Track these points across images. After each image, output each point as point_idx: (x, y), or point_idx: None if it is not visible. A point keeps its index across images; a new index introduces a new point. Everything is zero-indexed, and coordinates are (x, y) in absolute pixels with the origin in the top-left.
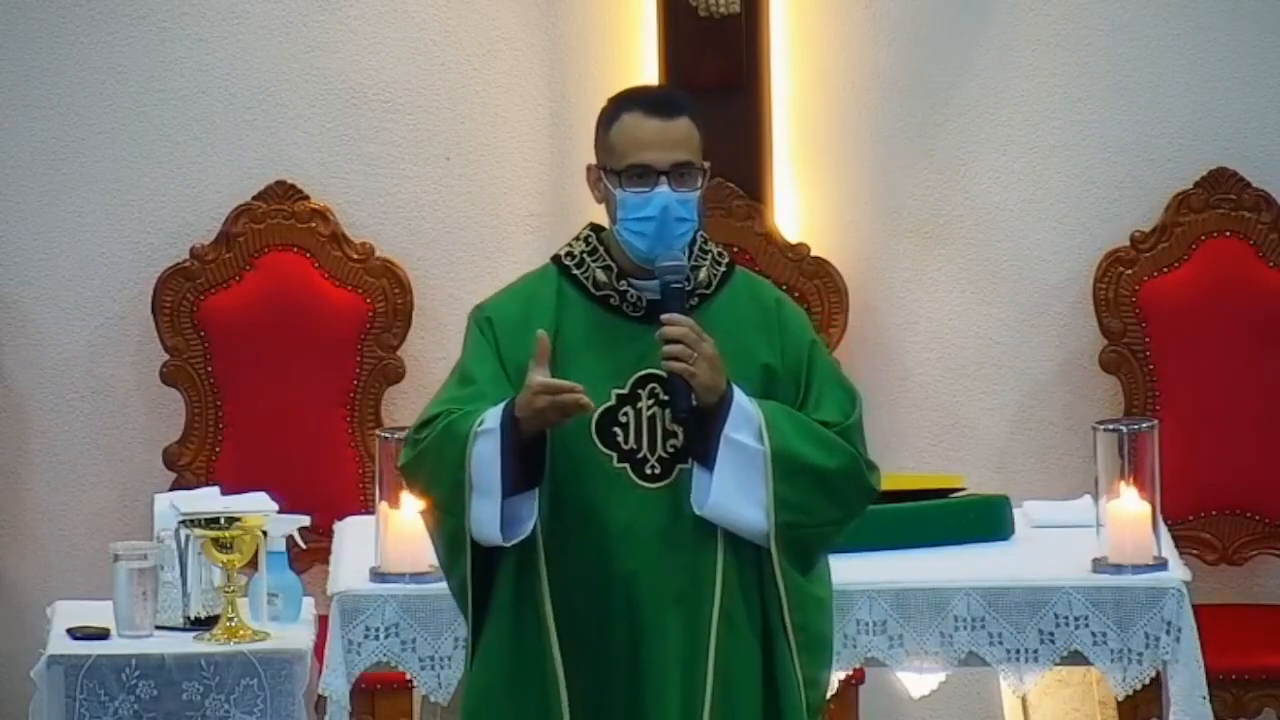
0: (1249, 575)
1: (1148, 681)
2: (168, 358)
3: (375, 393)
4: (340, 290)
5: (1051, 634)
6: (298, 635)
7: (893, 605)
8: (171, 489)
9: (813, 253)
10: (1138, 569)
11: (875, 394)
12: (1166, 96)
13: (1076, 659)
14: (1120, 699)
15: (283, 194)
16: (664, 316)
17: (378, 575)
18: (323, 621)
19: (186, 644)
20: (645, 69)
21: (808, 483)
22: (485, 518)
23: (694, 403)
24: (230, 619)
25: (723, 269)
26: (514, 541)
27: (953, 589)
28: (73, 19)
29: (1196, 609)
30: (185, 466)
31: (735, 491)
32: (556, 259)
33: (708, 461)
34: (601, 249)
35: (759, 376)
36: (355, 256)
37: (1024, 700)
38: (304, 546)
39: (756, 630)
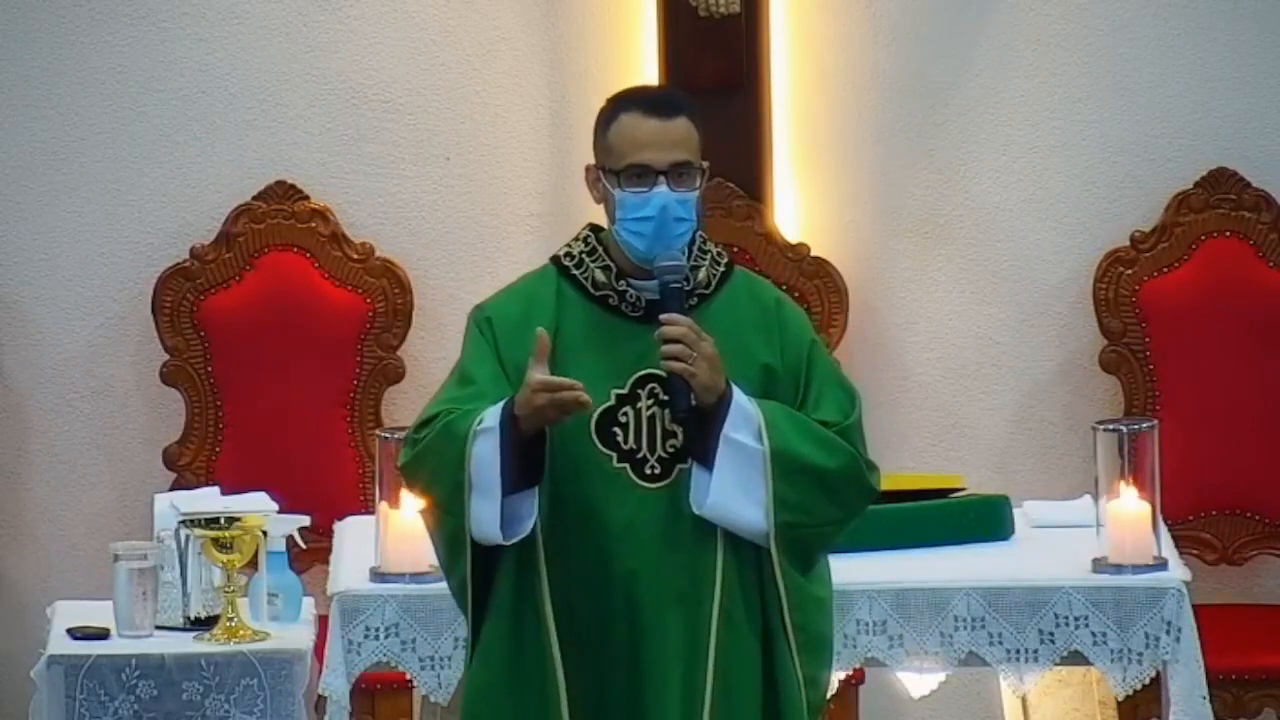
0: (1249, 575)
1: (1148, 681)
2: (168, 358)
3: (375, 393)
4: (340, 290)
5: (1051, 634)
6: (298, 635)
7: (893, 605)
8: (171, 489)
9: (813, 253)
10: (1138, 569)
11: (875, 394)
12: (1166, 96)
13: (1076, 659)
14: (1120, 699)
15: (283, 194)
16: (663, 316)
17: (378, 575)
18: (323, 621)
19: (186, 644)
20: (645, 69)
21: (807, 482)
22: (485, 517)
23: (693, 402)
24: (230, 619)
25: (722, 269)
26: (514, 540)
27: (953, 589)
28: (73, 19)
29: (1196, 609)
30: (185, 466)
31: (735, 491)
32: (556, 259)
33: (707, 461)
34: (600, 249)
35: (758, 376)
36: (355, 256)
37: (1024, 700)
38: (304, 546)
39: (756, 630)
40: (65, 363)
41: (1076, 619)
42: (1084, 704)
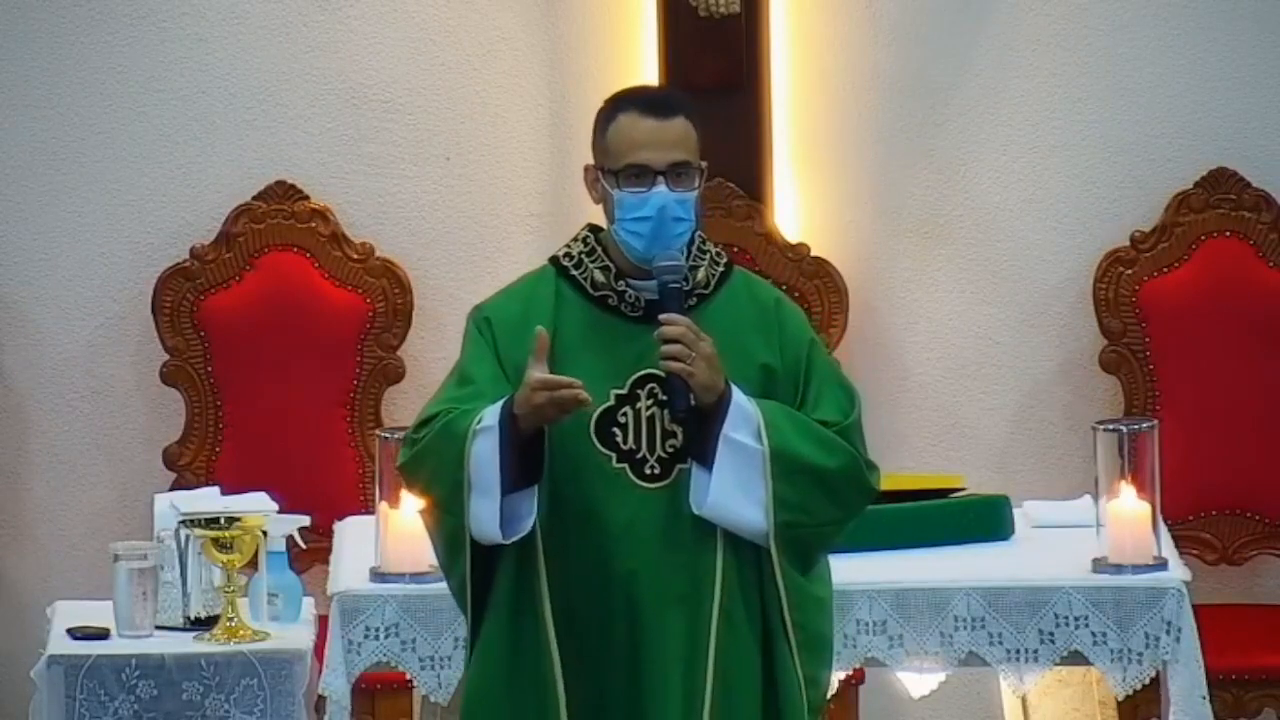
0: (1249, 575)
1: (1148, 681)
2: (168, 358)
3: (375, 393)
4: (340, 290)
5: (1051, 634)
6: (298, 635)
7: (893, 605)
8: (171, 489)
9: (813, 253)
10: (1138, 569)
11: (875, 394)
12: (1166, 96)
13: (1076, 659)
14: (1120, 699)
15: (283, 194)
16: (662, 316)
17: (378, 575)
18: (323, 621)
19: (186, 644)
20: (645, 69)
21: (807, 482)
22: (484, 515)
23: (692, 402)
24: (230, 619)
25: (721, 269)
26: (514, 539)
27: (953, 589)
28: (73, 19)
29: (1196, 609)
30: (185, 466)
31: (734, 491)
32: (554, 260)
33: (707, 461)
34: (599, 249)
35: (758, 376)
36: (355, 256)
37: (1024, 700)
38: (304, 546)
39: (756, 630)
40: (65, 363)
41: (1076, 619)
42: (1084, 704)
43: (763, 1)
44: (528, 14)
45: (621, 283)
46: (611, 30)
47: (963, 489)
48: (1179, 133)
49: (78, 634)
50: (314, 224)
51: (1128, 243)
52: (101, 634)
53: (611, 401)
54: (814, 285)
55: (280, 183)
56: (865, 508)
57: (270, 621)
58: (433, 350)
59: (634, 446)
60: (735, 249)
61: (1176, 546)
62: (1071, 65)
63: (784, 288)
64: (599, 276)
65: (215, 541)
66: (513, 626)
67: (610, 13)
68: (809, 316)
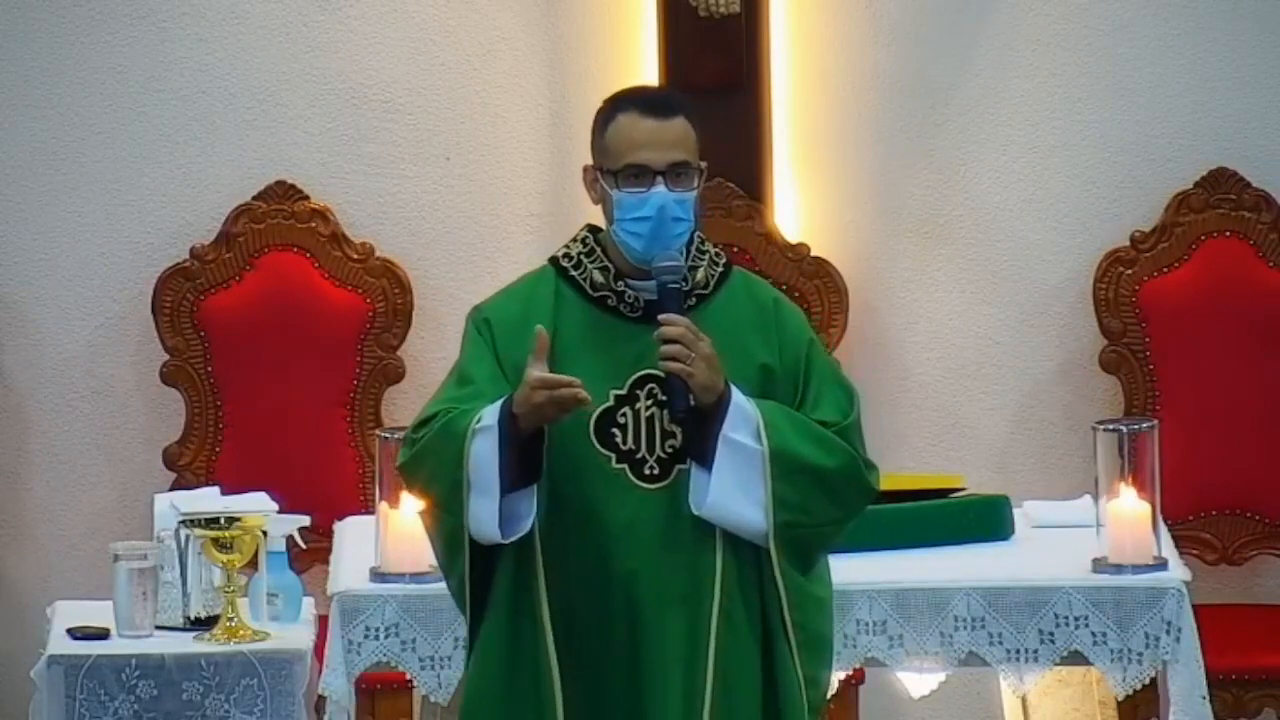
0: (1249, 575)
1: (1148, 681)
2: (168, 358)
3: (375, 393)
4: (340, 290)
5: (1051, 634)
6: (298, 635)
7: (893, 605)
8: (171, 489)
9: (813, 253)
10: (1138, 569)
11: (875, 394)
12: (1166, 96)
13: (1076, 659)
14: (1120, 699)
15: (283, 194)
16: (661, 317)
17: (378, 575)
18: (323, 621)
19: (186, 644)
20: (645, 69)
21: (807, 482)
22: (484, 515)
23: (692, 403)
24: (230, 619)
25: (720, 269)
26: (513, 539)
27: (953, 589)
28: (73, 19)
29: (1196, 609)
30: (185, 466)
31: (734, 491)
32: (554, 260)
33: (706, 461)
34: (599, 250)
35: (757, 376)
36: (355, 256)
37: (1024, 700)
38: (304, 546)
39: (756, 630)
40: (65, 363)
41: (1076, 619)
42: (1084, 704)
43: (763, 1)
44: (528, 14)
45: (621, 283)
46: (611, 30)
47: (963, 489)
48: (1179, 133)
49: (78, 634)
50: (314, 224)
51: (1128, 243)
52: (101, 634)
53: (611, 402)
54: (814, 285)
55: (280, 183)
56: (865, 508)
57: (270, 621)
58: (433, 350)
59: (633, 447)
60: (735, 249)
61: (1176, 546)
62: (1071, 65)
63: (784, 288)
64: (598, 277)
65: (215, 541)
66: (511, 627)
67: (610, 13)
68: (809, 316)
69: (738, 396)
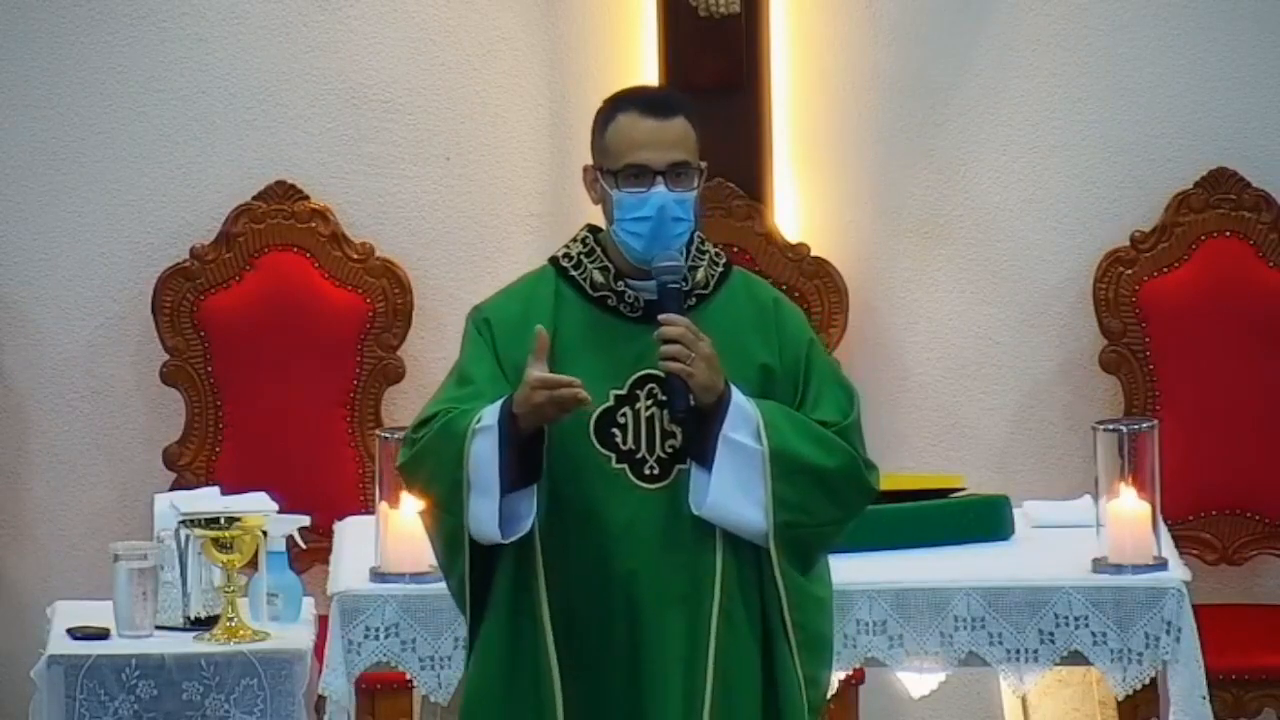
0: (1249, 575)
1: (1148, 681)
2: (168, 358)
3: (375, 393)
4: (340, 290)
5: (1051, 634)
6: (298, 635)
7: (893, 605)
8: (171, 489)
9: (813, 253)
10: (1138, 569)
11: (875, 394)
12: (1166, 96)
13: (1076, 659)
14: (1120, 699)
15: (283, 194)
16: (661, 317)
17: (378, 575)
18: (323, 621)
19: (186, 644)
20: (645, 69)
21: (807, 482)
22: (484, 515)
23: (692, 403)
24: (230, 619)
25: (720, 269)
26: (513, 538)
27: (953, 589)
28: (73, 19)
29: (1196, 609)
30: (185, 466)
31: (734, 491)
32: (554, 260)
33: (706, 461)
34: (599, 250)
35: (757, 376)
36: (355, 256)
37: (1024, 700)
38: (304, 546)
39: (756, 630)
40: (65, 363)
41: (1076, 619)
42: (1084, 704)
43: (763, 1)
44: (528, 14)
45: (620, 283)
46: (611, 30)
47: (963, 489)
48: (1179, 133)
49: (78, 634)
50: (314, 224)
51: (1128, 243)
52: (101, 634)
53: (611, 402)
54: (814, 285)
55: (280, 183)
56: (865, 508)
57: (270, 621)
58: (433, 350)
59: (633, 447)
60: (735, 249)
61: (1176, 546)
62: (1071, 65)
63: (784, 288)
64: (598, 277)
65: (215, 541)
66: (511, 627)
67: (610, 13)
68: (809, 316)
69: (738, 396)
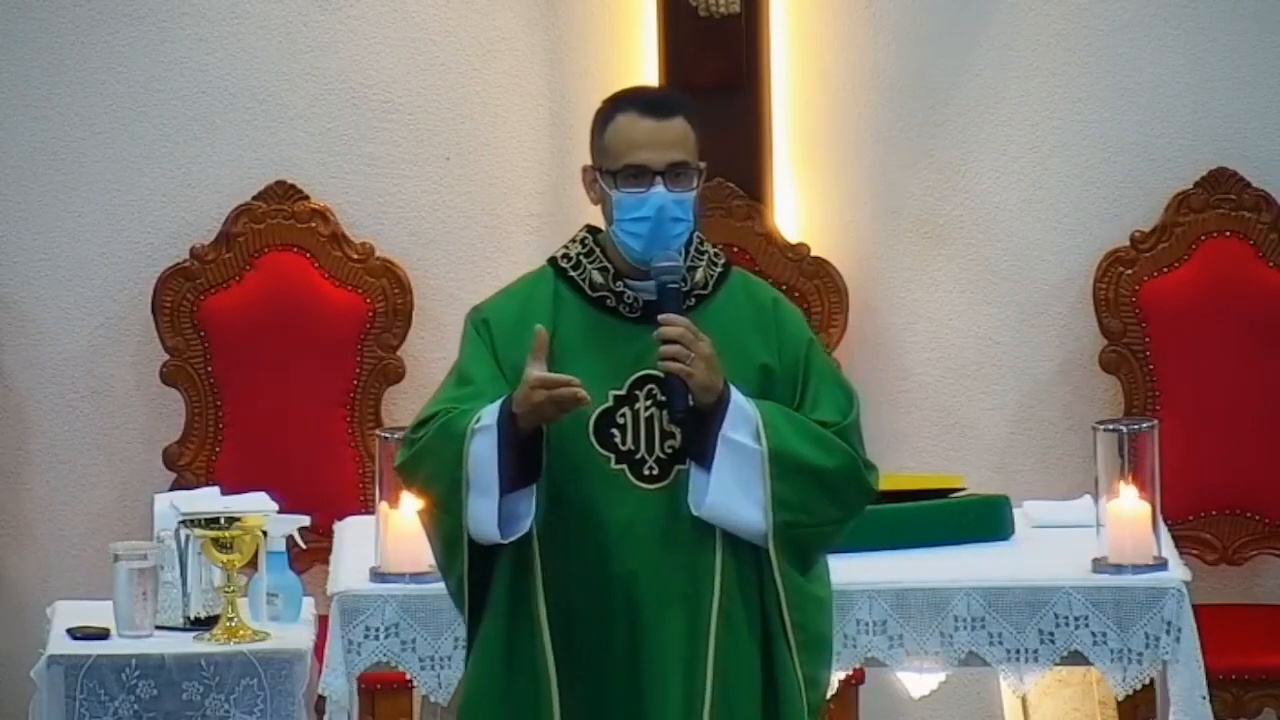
0: (1249, 575)
1: (1148, 681)
2: (168, 358)
3: (375, 393)
4: (340, 290)
5: (1051, 634)
6: (298, 635)
7: (893, 605)
8: (171, 489)
9: (813, 253)
10: (1138, 569)
11: (875, 394)
12: (1166, 96)
13: (1076, 659)
14: (1120, 699)
15: (283, 194)
16: (660, 317)
17: (378, 575)
18: (323, 621)
19: (186, 644)
20: (645, 69)
21: (806, 482)
22: (483, 515)
23: (691, 403)
24: (230, 619)
25: (719, 269)
26: (513, 538)
27: (953, 589)
28: (73, 19)
29: (1196, 609)
30: (185, 466)
31: (733, 491)
32: (553, 260)
33: (705, 461)
34: (598, 250)
35: (756, 376)
36: (355, 256)
37: (1024, 700)
38: (304, 546)
39: (756, 630)
40: (65, 363)
41: (1076, 619)
42: (1084, 704)
43: (763, 1)
44: (528, 14)
45: (620, 283)
46: (611, 30)
47: (963, 489)
48: (1179, 133)
49: (78, 634)
50: (314, 224)
51: (1128, 243)
52: (101, 634)
53: (610, 402)
54: (814, 285)
55: (280, 183)
56: (864, 508)
57: (270, 621)
58: (433, 350)
59: (633, 447)
60: (735, 249)
61: (1176, 546)
62: (1071, 65)
63: (784, 288)
64: (597, 277)
65: (215, 541)
66: (510, 627)
67: (610, 13)
68: (809, 316)
69: (737, 397)
